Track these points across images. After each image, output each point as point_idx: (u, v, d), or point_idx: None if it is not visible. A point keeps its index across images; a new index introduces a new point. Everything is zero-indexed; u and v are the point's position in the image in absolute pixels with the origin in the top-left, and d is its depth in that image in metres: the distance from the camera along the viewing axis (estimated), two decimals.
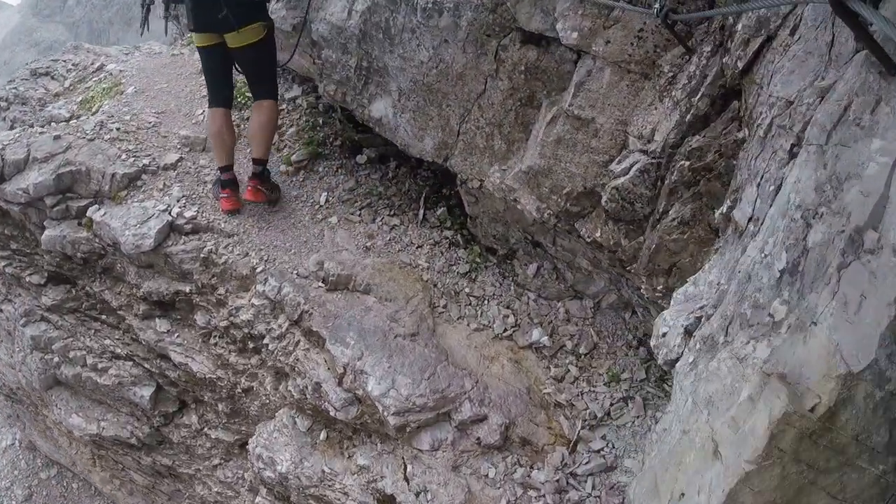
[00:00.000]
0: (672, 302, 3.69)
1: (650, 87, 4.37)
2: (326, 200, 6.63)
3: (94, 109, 7.75)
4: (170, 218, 6.36)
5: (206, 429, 7.38)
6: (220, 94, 6.21)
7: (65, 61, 9.56)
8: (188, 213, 6.40)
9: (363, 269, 5.95)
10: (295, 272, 6.03)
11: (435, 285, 6.01)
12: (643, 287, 4.47)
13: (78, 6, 64.36)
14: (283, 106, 7.56)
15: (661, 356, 3.48)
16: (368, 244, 6.22)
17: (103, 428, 7.92)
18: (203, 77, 6.59)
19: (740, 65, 3.41)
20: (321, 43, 6.02)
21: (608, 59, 4.40)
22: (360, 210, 6.55)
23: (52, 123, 7.59)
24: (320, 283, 5.95)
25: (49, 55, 10.50)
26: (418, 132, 5.67)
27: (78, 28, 60.66)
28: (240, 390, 6.64)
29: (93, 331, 7.54)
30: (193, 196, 6.60)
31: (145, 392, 7.35)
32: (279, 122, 7.24)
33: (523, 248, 6.19)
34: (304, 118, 7.38)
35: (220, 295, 6.31)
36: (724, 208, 3.58)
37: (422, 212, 6.55)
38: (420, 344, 5.55)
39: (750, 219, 3.11)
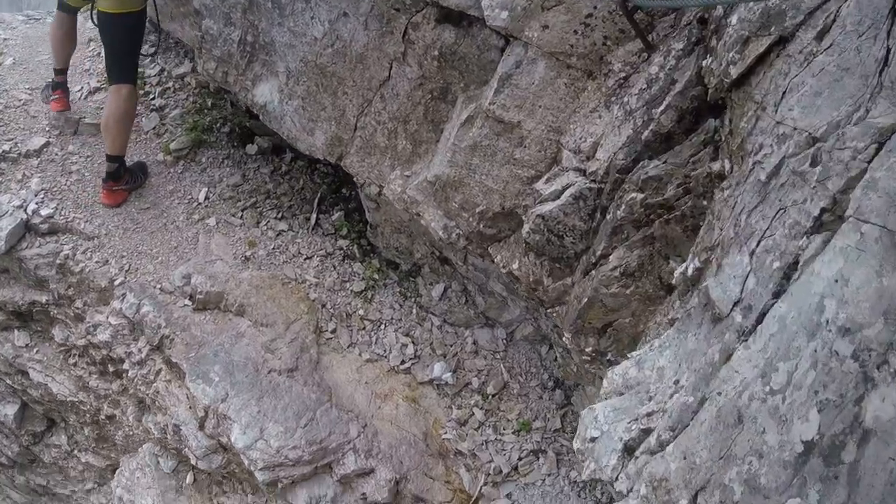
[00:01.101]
0: (606, 385, 2.52)
1: (594, 89, 3.18)
2: (206, 198, 5.21)
3: None
4: (25, 216, 4.89)
5: (75, 451, 5.93)
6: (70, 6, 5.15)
7: None
8: (45, 211, 4.92)
9: (238, 286, 4.58)
10: (158, 286, 4.62)
11: (324, 305, 4.70)
12: (567, 344, 3.29)
13: None
14: (170, 84, 6.05)
15: (587, 470, 2.31)
16: (248, 253, 4.84)
17: None
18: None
19: (733, 72, 2.21)
20: (202, 11, 4.56)
21: (544, 49, 3.18)
22: (242, 211, 5.15)
23: None
24: (187, 301, 4.56)
25: None
26: (308, 123, 4.31)
27: None
28: (103, 416, 5.24)
29: None
30: (55, 189, 5.11)
31: (9, 410, 5.89)
32: (163, 101, 5.85)
33: (430, 264, 4.93)
34: (192, 99, 5.88)
35: (77, 308, 4.90)
36: (687, 267, 2.40)
37: (314, 216, 5.19)
38: (299, 382, 4.25)
39: (736, 303, 1.94)
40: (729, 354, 1.86)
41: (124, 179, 5.01)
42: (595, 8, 3.03)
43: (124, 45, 4.75)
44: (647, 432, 2.14)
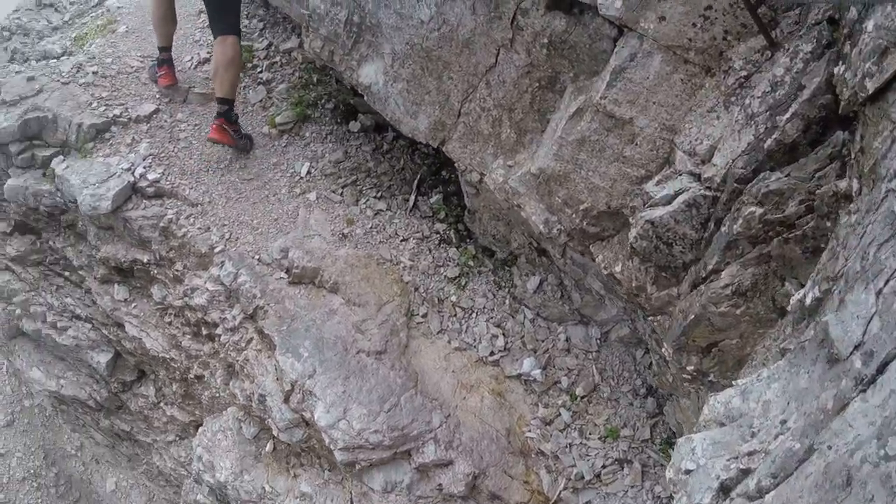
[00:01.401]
0: (706, 412, 2.40)
1: (712, 87, 3.00)
2: (308, 172, 5.34)
3: (84, 48, 6.53)
4: (132, 179, 5.19)
5: (162, 403, 6.33)
6: None
7: None
8: (152, 175, 5.21)
9: (334, 263, 4.69)
10: (257, 257, 4.80)
11: (416, 289, 4.74)
12: (668, 357, 3.16)
13: None
14: (277, 59, 6.20)
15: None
16: (346, 231, 4.94)
17: (62, 385, 6.96)
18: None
19: (869, 86, 2.01)
20: None
21: (660, 42, 3.02)
22: (342, 188, 5.24)
23: (46, 60, 6.44)
24: (283, 274, 4.72)
25: None
26: (412, 107, 4.31)
27: None
28: (192, 376, 5.54)
29: (55, 287, 6.51)
30: (162, 155, 5.38)
31: (102, 358, 6.36)
32: (270, 75, 6.01)
33: (526, 254, 4.87)
34: (298, 74, 6.01)
35: (177, 271, 5.17)
36: (806, 295, 2.24)
37: (413, 197, 5.22)
38: (386, 364, 4.32)
39: (857, 347, 1.78)
40: (844, 404, 1.72)
41: (234, 126, 5.25)
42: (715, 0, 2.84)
43: (225, 1, 5.06)
44: (746, 473, 2.02)
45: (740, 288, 2.64)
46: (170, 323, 5.45)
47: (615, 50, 3.23)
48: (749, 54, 2.84)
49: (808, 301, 2.17)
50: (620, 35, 3.20)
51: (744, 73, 2.84)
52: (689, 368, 2.99)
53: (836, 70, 2.31)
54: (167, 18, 5.60)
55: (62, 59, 6.35)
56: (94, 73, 5.94)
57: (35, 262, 6.44)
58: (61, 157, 5.52)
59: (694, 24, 2.90)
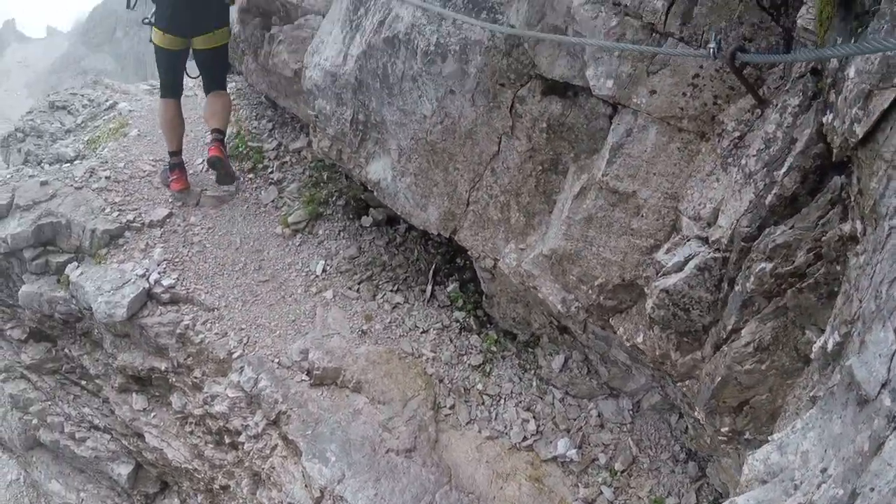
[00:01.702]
0: (746, 471, 2.41)
1: (708, 151, 3.16)
2: (323, 270, 5.51)
3: (97, 151, 6.89)
4: (147, 285, 5.36)
5: None
6: (177, 88, 6.02)
7: (82, 96, 8.78)
8: (167, 281, 5.38)
9: (355, 361, 4.77)
10: (276, 360, 4.89)
11: (441, 380, 4.79)
12: (701, 421, 3.18)
13: (126, 38, 65.44)
14: (287, 158, 6.53)
15: None
16: (365, 327, 5.05)
17: (83, 499, 6.89)
18: (163, 77, 6.04)
19: (858, 130, 2.15)
20: (314, 91, 4.95)
21: (654, 115, 3.20)
22: (358, 284, 5.39)
23: (59, 163, 6.79)
24: (304, 376, 4.80)
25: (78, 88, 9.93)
26: (421, 199, 4.51)
27: (124, 60, 61.81)
28: (217, 486, 5.50)
29: (72, 396, 6.57)
30: (176, 260, 5.57)
31: (123, 470, 6.35)
32: (281, 175, 6.37)
33: (548, 334, 4.94)
34: (308, 172, 6.30)
35: (195, 378, 5.23)
36: (826, 341, 2.30)
37: (430, 288, 5.35)
38: (417, 462, 4.32)
39: (884, 385, 1.83)
40: (880, 443, 1.76)
41: (227, 149, 5.96)
42: (701, 68, 3.03)
43: (219, 67, 5.99)
44: None
45: (762, 343, 2.70)
46: (191, 432, 5.47)
47: (611, 127, 3.41)
48: (740, 115, 3.01)
49: (829, 347, 2.23)
50: (615, 112, 3.39)
51: (737, 133, 3.00)
52: (724, 430, 3.00)
53: (824, 119, 2.45)
54: (175, 122, 5.98)
55: (75, 162, 6.65)
56: (106, 177, 6.21)
57: (51, 371, 6.53)
58: (75, 263, 5.71)
59: (684, 94, 3.09)
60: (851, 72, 2.27)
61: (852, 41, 2.27)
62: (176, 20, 5.48)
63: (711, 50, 2.47)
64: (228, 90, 6.36)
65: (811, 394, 2.45)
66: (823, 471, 2.07)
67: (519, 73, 3.68)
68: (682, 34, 3.00)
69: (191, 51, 5.79)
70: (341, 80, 4.66)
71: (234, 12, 6.39)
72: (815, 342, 2.40)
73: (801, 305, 2.58)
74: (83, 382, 6.42)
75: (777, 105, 2.80)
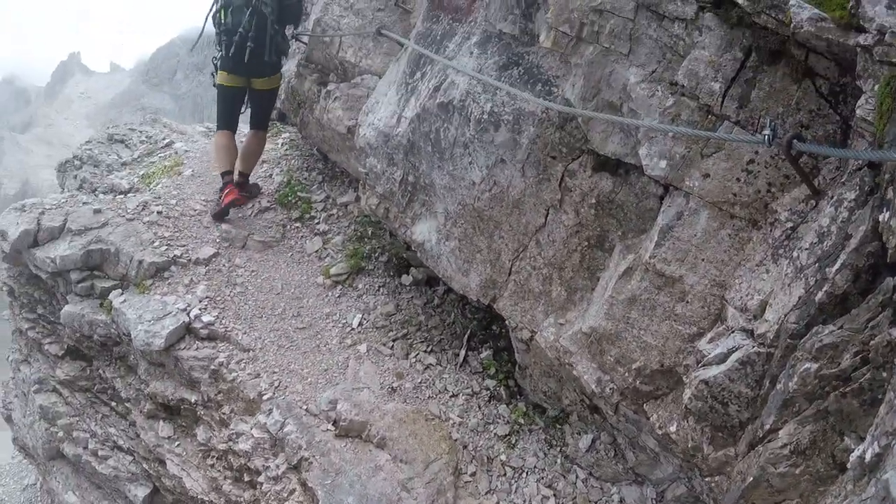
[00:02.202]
0: None
1: (760, 240, 3.11)
2: (360, 324, 5.54)
3: (151, 186, 7.14)
4: (187, 319, 5.48)
5: None
6: (232, 122, 6.66)
7: (140, 132, 9.19)
8: (207, 318, 5.47)
9: (382, 417, 4.73)
10: (305, 407, 4.88)
11: (465, 446, 4.71)
12: None
13: (185, 80, 68.38)
14: (334, 211, 6.67)
15: None
16: (395, 384, 5.02)
17: None
18: (221, 112, 6.70)
19: None
20: (367, 150, 5.07)
21: (705, 199, 3.19)
22: (393, 341, 5.39)
23: (113, 193, 7.06)
24: (330, 426, 4.77)
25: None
26: (463, 265, 4.53)
27: (182, 101, 64.41)
28: None
29: (100, 415, 6.69)
30: (218, 299, 5.68)
31: (140, 492, 6.37)
32: (326, 227, 6.48)
33: (578, 412, 4.83)
34: (353, 227, 6.41)
35: (223, 414, 5.26)
36: (865, 451, 2.20)
37: (463, 352, 5.32)
38: None
39: None
40: None
41: (246, 188, 6.62)
42: (756, 153, 3.02)
43: (269, 107, 6.80)
44: None
45: (799, 446, 2.59)
46: (212, 465, 5.47)
47: (662, 209, 3.41)
48: (794, 205, 2.97)
49: (867, 457, 2.13)
50: (666, 193, 3.39)
51: (790, 224, 2.96)
52: None
53: (881, 216, 2.39)
54: (229, 148, 6.56)
55: (129, 195, 6.91)
56: (158, 212, 6.44)
57: (83, 388, 6.69)
58: (120, 290, 5.88)
59: (738, 179, 3.08)
60: None
61: None
62: (233, 61, 6.21)
63: (767, 136, 2.47)
64: (282, 140, 7.36)
65: (845, 501, 2.33)
66: None
67: (571, 147, 3.72)
68: (739, 118, 3.02)
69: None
70: (394, 141, 4.78)
71: (292, 65, 7.00)
72: (853, 450, 2.30)
73: (842, 410, 2.48)
74: (113, 404, 6.55)
75: (833, 198, 2.76)
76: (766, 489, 2.72)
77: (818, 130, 2.87)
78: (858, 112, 2.52)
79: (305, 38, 6.75)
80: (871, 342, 2.37)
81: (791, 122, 2.90)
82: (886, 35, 2.27)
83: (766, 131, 2.43)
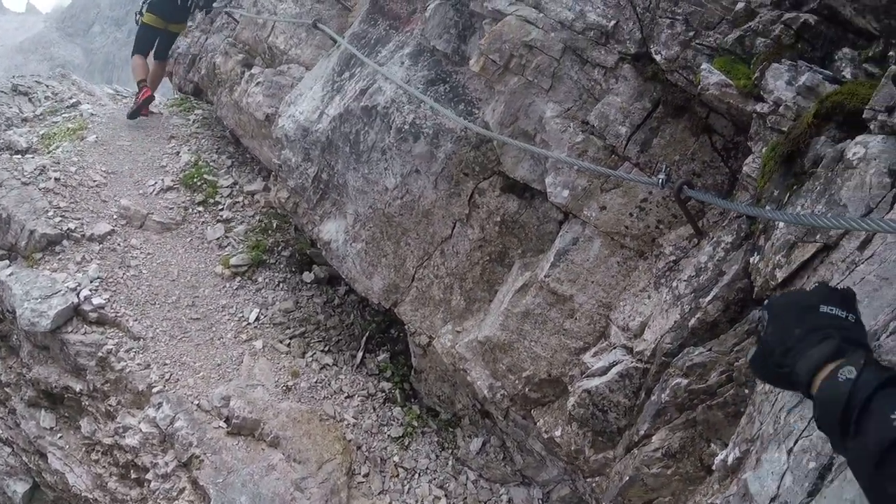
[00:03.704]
0: None
1: (645, 269, 3.48)
2: (257, 319, 5.57)
3: (51, 149, 6.79)
4: (76, 300, 5.28)
5: None
6: (148, 51, 8.25)
7: (47, 86, 8.67)
8: (97, 300, 5.31)
9: (276, 416, 4.80)
10: (196, 402, 4.88)
11: (359, 447, 4.86)
12: None
13: (101, 35, 64.30)
14: (240, 199, 6.63)
15: None
16: (291, 383, 5.11)
17: None
18: (140, 43, 8.31)
19: (779, 275, 2.49)
20: (283, 141, 5.15)
21: (600, 229, 3.53)
22: (290, 339, 5.47)
23: (9, 151, 6.65)
24: (222, 423, 4.79)
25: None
26: (368, 267, 4.70)
27: (94, 56, 60.57)
28: None
29: None
30: (110, 280, 5.53)
31: (19, 488, 6.01)
32: (231, 214, 6.51)
33: (470, 416, 5.10)
34: (258, 217, 6.41)
35: (110, 405, 5.13)
36: (728, 455, 2.57)
37: (361, 354, 5.48)
38: None
39: (773, 499, 2.09)
40: None
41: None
42: (650, 193, 3.39)
43: (172, 43, 8.32)
44: None
45: (670, 450, 2.96)
46: (96, 461, 5.29)
47: (560, 233, 3.73)
48: (678, 241, 3.35)
49: (730, 461, 2.50)
50: (566, 219, 3.72)
51: (673, 257, 3.34)
52: None
53: (752, 259, 2.79)
54: (145, 65, 8.12)
55: (26, 156, 6.53)
56: (55, 179, 6.15)
57: None
58: (7, 261, 5.59)
59: (631, 214, 3.44)
60: (782, 224, 2.63)
61: (787, 196, 2.63)
62: (168, 10, 7.92)
63: (661, 180, 2.81)
64: (194, 117, 8.18)
65: (710, 501, 2.70)
66: None
67: (483, 167, 3.99)
68: (639, 160, 3.37)
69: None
70: (312, 137, 4.88)
71: (218, 43, 7.44)
72: (718, 455, 2.67)
73: (709, 420, 2.86)
74: None
75: (713, 238, 3.15)
76: (641, 488, 3.08)
77: (708, 179, 3.27)
78: (745, 169, 2.91)
79: (237, 15, 6.74)
80: (736, 364, 2.76)
81: (685, 170, 3.27)
82: (781, 107, 2.66)
83: (661, 175, 2.77)
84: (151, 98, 7.93)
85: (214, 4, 7.73)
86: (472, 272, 4.21)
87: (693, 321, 2.96)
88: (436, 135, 4.10)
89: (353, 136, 4.57)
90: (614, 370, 3.29)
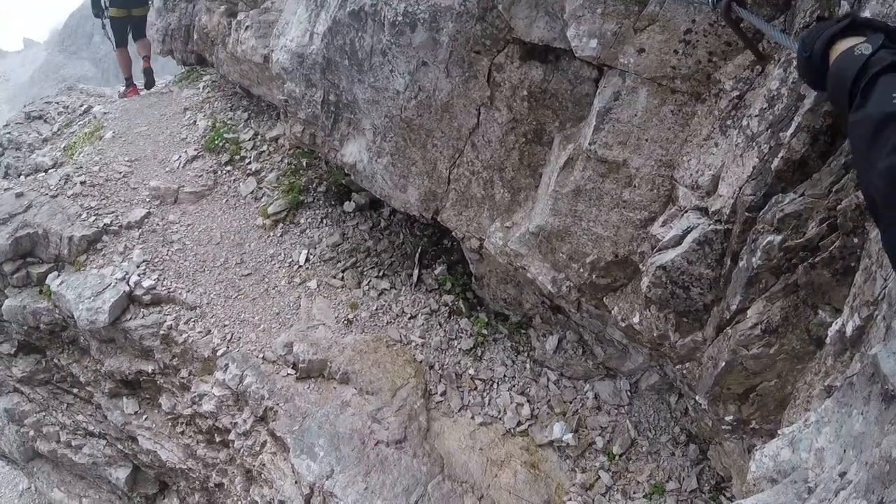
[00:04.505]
0: (754, 469, 2.13)
1: (705, 114, 2.83)
2: (307, 259, 5.22)
3: (73, 157, 6.58)
4: (128, 288, 5.12)
5: None
6: (125, 40, 8.55)
7: (57, 103, 8.47)
8: (147, 282, 5.12)
9: (341, 352, 4.49)
10: (261, 355, 4.62)
11: (431, 367, 4.52)
12: (704, 406, 2.90)
13: (104, 43, 64.20)
14: (265, 147, 6.20)
15: None
16: (351, 316, 4.76)
17: None
18: (116, 36, 8.52)
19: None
20: (282, 75, 4.62)
21: (643, 76, 2.88)
22: (343, 272, 5.10)
23: (37, 173, 6.50)
24: (290, 370, 4.53)
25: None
26: (399, 180, 4.19)
27: (104, 64, 60.68)
28: (212, 484, 5.28)
29: (65, 405, 6.38)
30: (156, 260, 5.30)
31: (121, 474, 6.20)
32: (259, 165, 6.07)
33: (541, 314, 4.65)
34: (287, 160, 5.98)
35: (182, 378, 4.99)
36: (844, 325, 2.01)
37: (416, 272, 5.05)
38: (408, 453, 4.06)
39: None
40: None
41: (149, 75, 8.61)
42: (693, 22, 2.70)
43: (144, 24, 8.56)
44: None
45: (770, 325, 2.40)
46: (182, 432, 5.26)
47: (598, 91, 3.09)
48: (739, 72, 2.68)
49: (848, 331, 1.94)
50: (601, 75, 3.08)
51: (736, 93, 2.68)
52: (728, 419, 2.72)
53: None
54: (127, 60, 8.64)
55: (50, 171, 6.41)
56: (81, 182, 5.97)
57: (43, 382, 6.36)
58: (56, 272, 5.49)
59: (675, 51, 2.76)
60: (868, 14, 1.95)
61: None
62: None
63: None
64: (203, 84, 7.85)
65: (826, 382, 2.16)
66: (842, 475, 1.79)
67: (495, 39, 3.35)
68: None
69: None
70: (309, 61, 4.33)
71: (203, 5, 6.89)
72: (830, 324, 2.11)
73: (813, 283, 2.28)
74: (75, 390, 6.24)
75: (780, 60, 2.47)
76: (741, 373, 2.55)
77: None
78: None
79: None
80: (838, 207, 2.14)
81: None
82: None
83: None
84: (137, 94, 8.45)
85: None
86: (509, 159, 3.64)
87: (776, 162, 2.33)
88: (433, 17, 3.46)
89: (348, 46, 3.98)
90: (690, 237, 2.72)
